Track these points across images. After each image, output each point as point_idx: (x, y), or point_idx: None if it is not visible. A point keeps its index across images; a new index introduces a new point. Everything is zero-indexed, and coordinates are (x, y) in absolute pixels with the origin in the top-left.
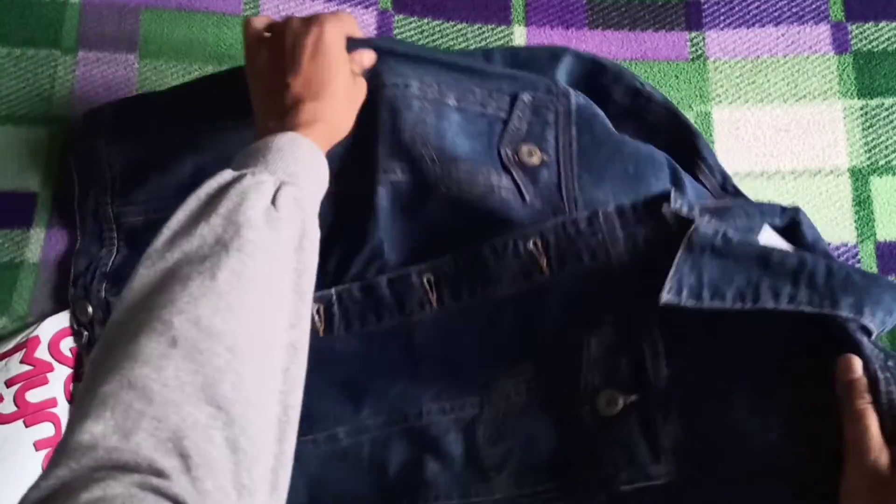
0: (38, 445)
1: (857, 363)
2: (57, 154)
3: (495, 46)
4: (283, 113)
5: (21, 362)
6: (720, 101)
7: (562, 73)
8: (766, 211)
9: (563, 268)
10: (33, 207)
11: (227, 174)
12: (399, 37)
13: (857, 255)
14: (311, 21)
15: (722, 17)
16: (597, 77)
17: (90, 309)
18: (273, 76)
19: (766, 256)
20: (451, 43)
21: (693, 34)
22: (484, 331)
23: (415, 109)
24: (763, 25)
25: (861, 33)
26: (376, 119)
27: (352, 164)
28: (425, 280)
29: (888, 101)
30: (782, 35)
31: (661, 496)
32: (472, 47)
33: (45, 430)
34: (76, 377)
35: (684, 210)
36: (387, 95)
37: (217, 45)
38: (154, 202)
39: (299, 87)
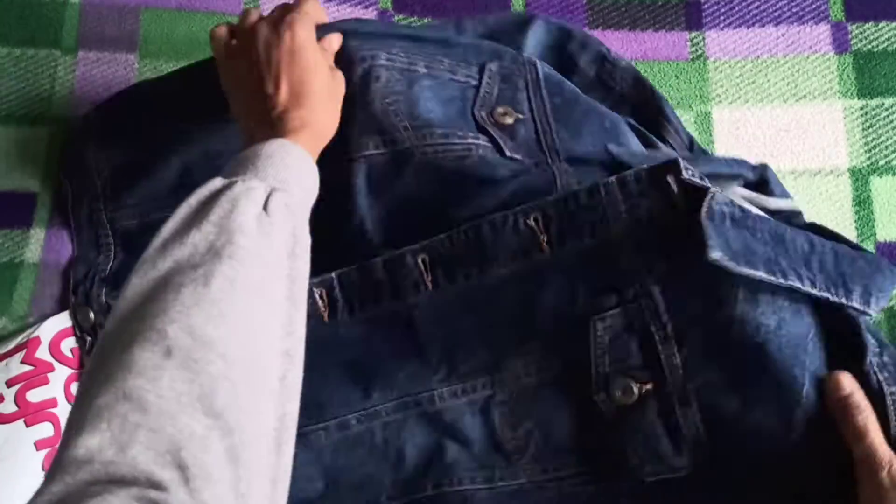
0: (38, 445)
1: (847, 380)
2: (57, 154)
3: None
4: (268, 123)
5: (22, 362)
6: (720, 101)
7: (531, 40)
8: (739, 162)
9: (562, 245)
10: (33, 207)
11: (217, 181)
12: None
13: None
14: (279, 24)
15: (722, 17)
16: (564, 44)
17: (92, 315)
18: (252, 87)
19: (780, 233)
20: None
21: (693, 34)
22: (483, 311)
23: (383, 80)
24: (763, 25)
25: (861, 33)
26: (345, 97)
27: (329, 145)
28: (420, 261)
29: (888, 101)
30: (782, 35)
31: (680, 484)
32: None
33: (46, 430)
34: (78, 378)
35: (696, 179)
36: (355, 71)
37: None
38: (146, 204)
39: (282, 96)
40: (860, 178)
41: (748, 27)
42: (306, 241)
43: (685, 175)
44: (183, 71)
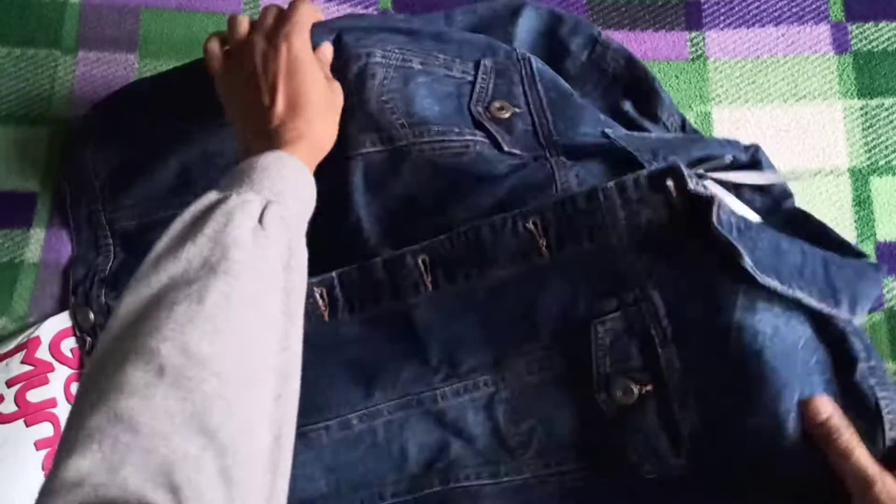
0: (38, 445)
1: (824, 404)
2: (57, 154)
3: None
4: (265, 135)
5: (22, 362)
6: (720, 101)
7: (522, 27)
8: (732, 145)
9: (561, 249)
10: (33, 207)
11: (212, 195)
12: None
13: None
14: (275, 36)
15: (722, 17)
16: (555, 29)
17: (92, 315)
18: (249, 100)
19: (777, 243)
20: None
21: (693, 34)
22: (483, 312)
23: (379, 78)
24: (763, 25)
25: (861, 33)
26: (343, 94)
27: None
28: (420, 261)
29: (888, 101)
30: (782, 35)
31: (680, 483)
32: None
33: (45, 429)
34: (78, 378)
35: (700, 189)
36: (350, 69)
37: None
38: (144, 205)
39: (278, 107)
40: (860, 178)
41: (748, 27)
42: (303, 253)
43: (690, 185)
44: (181, 70)
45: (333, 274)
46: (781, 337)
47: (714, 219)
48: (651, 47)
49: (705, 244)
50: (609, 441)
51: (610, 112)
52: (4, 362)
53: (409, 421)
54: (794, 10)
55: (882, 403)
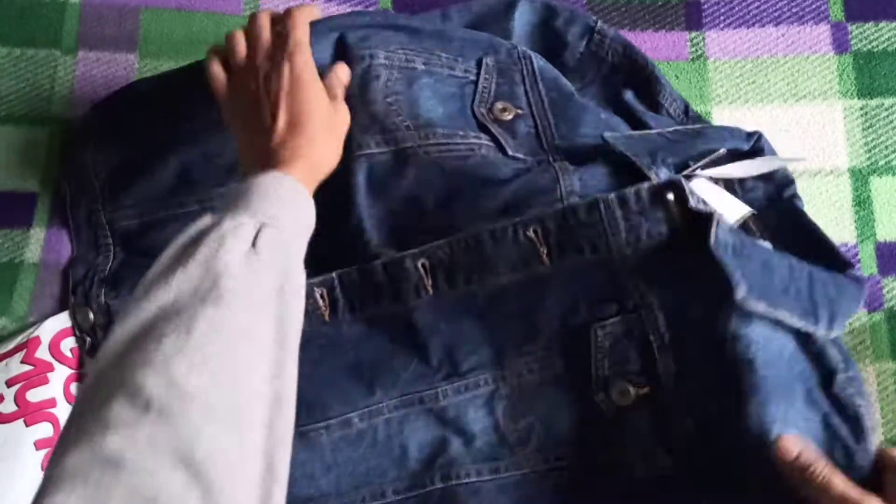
0: (38, 445)
1: (791, 442)
2: (57, 154)
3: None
4: (266, 154)
5: (22, 362)
6: (720, 101)
7: (518, 21)
8: (735, 134)
9: (562, 258)
10: (33, 207)
11: (206, 219)
12: None
13: (857, 255)
14: (278, 54)
15: (722, 17)
16: (551, 21)
17: (91, 315)
18: (252, 120)
19: (768, 260)
20: None
21: (693, 34)
22: (484, 314)
23: (383, 79)
24: (763, 25)
25: (861, 33)
26: (346, 96)
27: None
28: (419, 265)
29: (888, 101)
30: (782, 35)
31: (677, 482)
32: None
33: (45, 429)
34: (77, 378)
35: (701, 206)
36: (354, 70)
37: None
38: (144, 205)
39: (279, 127)
40: (860, 178)
41: (748, 27)
42: (299, 276)
43: (691, 202)
44: (181, 70)
45: (334, 274)
46: (770, 347)
47: (712, 239)
48: (651, 47)
49: (703, 257)
50: (606, 439)
51: (611, 102)
52: (4, 362)
53: (410, 419)
54: (794, 10)
55: (860, 412)
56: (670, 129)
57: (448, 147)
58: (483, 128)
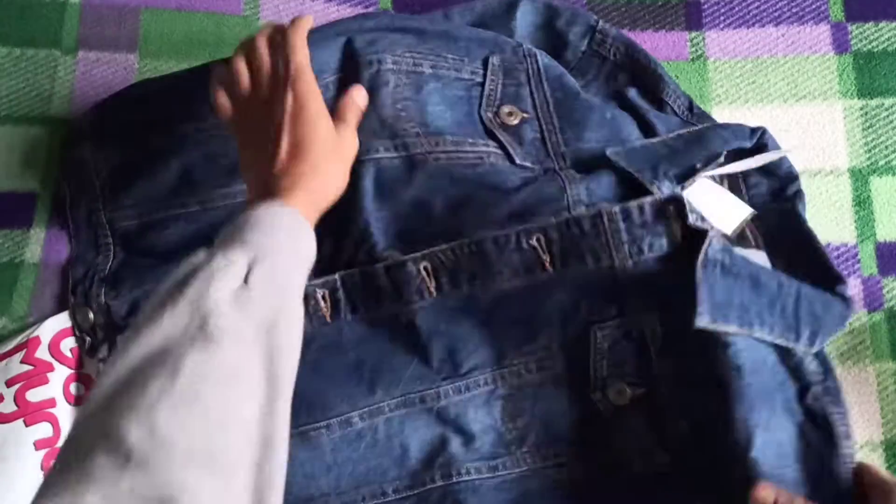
0: (37, 445)
1: (766, 489)
2: (57, 154)
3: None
4: (268, 182)
5: (21, 362)
6: (720, 101)
7: (520, 21)
8: (737, 134)
9: (565, 267)
10: (33, 207)
11: (200, 255)
12: None
13: (857, 255)
14: (280, 81)
15: (722, 17)
16: (553, 21)
17: (91, 315)
18: (256, 147)
19: (756, 276)
20: None
21: (693, 34)
22: (486, 317)
23: (392, 85)
24: (763, 25)
25: (861, 33)
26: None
27: None
28: (422, 268)
29: (888, 101)
30: (782, 35)
31: (673, 482)
32: None
33: (45, 430)
34: (77, 377)
35: (699, 224)
36: (362, 75)
37: (217, 45)
38: (145, 205)
39: (281, 154)
40: (860, 178)
41: (748, 27)
42: (295, 311)
43: (690, 220)
44: (184, 72)
45: (336, 276)
46: (755, 356)
47: (701, 257)
48: (651, 47)
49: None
50: (603, 437)
51: (613, 100)
52: (4, 362)
53: (410, 418)
54: (794, 10)
55: (834, 419)
56: (672, 134)
57: (457, 154)
58: (490, 134)
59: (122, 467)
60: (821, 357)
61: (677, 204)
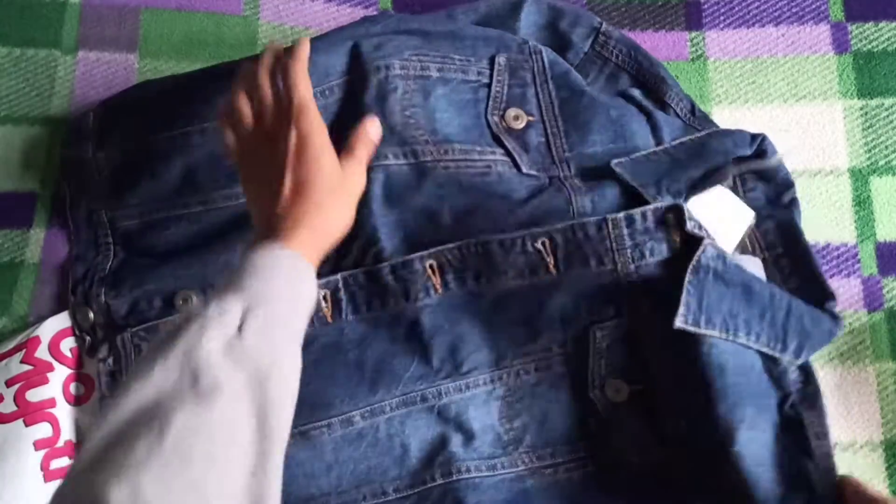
0: (37, 445)
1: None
2: (57, 154)
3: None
4: (271, 221)
5: (21, 362)
6: (720, 101)
7: (524, 21)
8: (738, 143)
9: (569, 269)
10: (33, 207)
11: (195, 305)
12: None
13: (857, 255)
14: (283, 116)
15: (722, 17)
16: (556, 22)
17: (91, 315)
18: (261, 184)
19: (748, 286)
20: None
21: (693, 34)
22: (488, 317)
23: (400, 92)
24: (763, 25)
25: (861, 33)
26: (362, 106)
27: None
28: (428, 266)
29: (888, 101)
30: (782, 35)
31: (672, 479)
32: None
33: (44, 430)
34: (77, 377)
35: (697, 230)
36: (370, 81)
37: (217, 45)
38: (147, 204)
39: (285, 192)
40: (860, 178)
41: (748, 27)
42: (290, 359)
43: (688, 226)
44: (188, 73)
45: (338, 276)
46: (742, 360)
47: (692, 263)
48: (651, 47)
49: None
50: (601, 436)
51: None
52: (4, 362)
53: (411, 417)
54: (794, 10)
55: (807, 423)
56: (676, 142)
57: (466, 163)
58: (496, 139)
59: None
60: (804, 365)
61: (677, 212)
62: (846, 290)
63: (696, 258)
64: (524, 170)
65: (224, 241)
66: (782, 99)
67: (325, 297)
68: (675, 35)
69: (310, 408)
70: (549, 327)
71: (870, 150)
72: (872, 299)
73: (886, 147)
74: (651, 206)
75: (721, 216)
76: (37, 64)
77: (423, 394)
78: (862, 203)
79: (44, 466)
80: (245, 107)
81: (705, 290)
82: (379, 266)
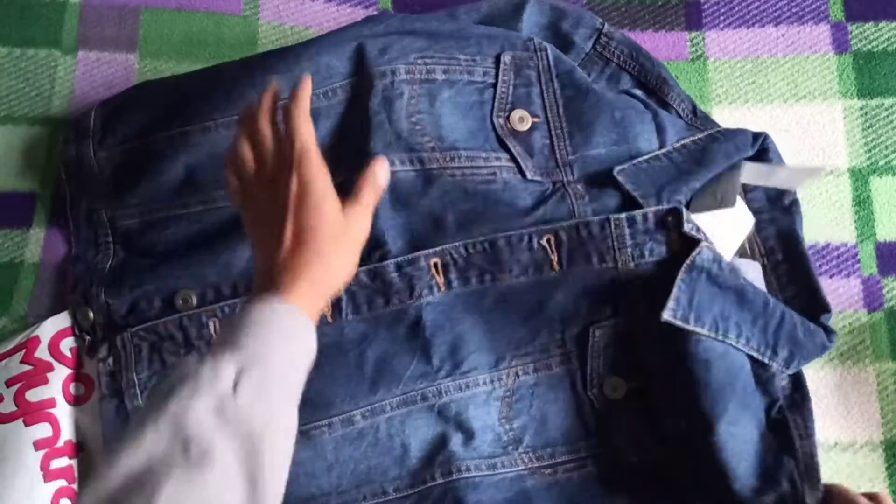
0: (37, 445)
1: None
2: (57, 154)
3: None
4: (272, 271)
5: (21, 362)
6: (720, 101)
7: (527, 22)
8: (740, 146)
9: (571, 266)
10: (33, 207)
11: (189, 362)
12: None
13: (857, 255)
14: (285, 161)
15: (722, 17)
16: (559, 23)
17: (91, 314)
18: (263, 232)
19: (742, 291)
20: None
21: (693, 34)
22: (490, 315)
23: (406, 97)
24: (763, 25)
25: (861, 33)
26: (367, 111)
27: (347, 154)
28: (432, 264)
29: (888, 101)
30: (782, 35)
31: (672, 479)
32: None
33: (44, 430)
34: (76, 377)
35: (694, 231)
36: (376, 87)
37: (217, 45)
38: (147, 204)
39: (286, 241)
40: (860, 178)
41: (748, 27)
42: (286, 418)
43: (685, 228)
44: (190, 73)
45: None
46: (729, 359)
47: (687, 262)
48: (651, 47)
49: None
50: (598, 431)
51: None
52: (4, 362)
53: (412, 416)
54: (794, 10)
55: (790, 423)
56: (678, 144)
57: (471, 170)
58: (501, 142)
59: None
60: (795, 373)
61: (676, 215)
62: (846, 290)
63: (691, 258)
64: (528, 176)
65: (224, 240)
66: (782, 99)
67: None
68: (675, 35)
69: (310, 407)
70: (548, 327)
71: (870, 150)
72: (872, 299)
73: (886, 147)
74: (652, 209)
75: (722, 219)
76: (37, 64)
77: (424, 393)
78: (862, 203)
79: (44, 466)
80: (247, 152)
81: (697, 289)
82: (384, 263)
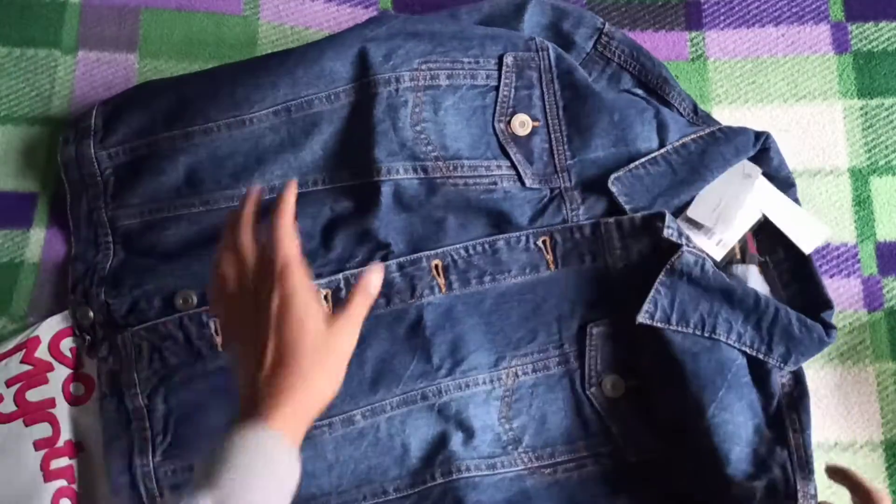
0: (37, 445)
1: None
2: (57, 154)
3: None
4: (253, 392)
5: (21, 362)
6: (720, 101)
7: (528, 22)
8: (740, 148)
9: (566, 265)
10: (33, 207)
11: (168, 501)
12: None
13: (857, 255)
14: (268, 275)
15: (722, 17)
16: (560, 23)
17: (91, 313)
18: (245, 345)
19: (730, 291)
20: None
21: (693, 34)
22: (489, 315)
23: (410, 105)
24: (763, 25)
25: (861, 33)
26: (371, 118)
27: (350, 159)
28: (433, 266)
29: (888, 101)
30: (782, 35)
31: (664, 467)
32: None
33: (44, 430)
34: (76, 377)
35: (674, 237)
36: (380, 94)
37: (217, 45)
38: (149, 204)
39: (268, 360)
40: (860, 178)
41: (748, 27)
42: None
43: (665, 234)
44: (187, 74)
45: (340, 276)
46: (718, 352)
47: (666, 266)
48: (651, 47)
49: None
50: (597, 429)
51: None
52: (4, 362)
53: (412, 416)
54: (794, 10)
55: (786, 418)
56: (678, 143)
57: (474, 179)
58: (503, 149)
59: None
60: (795, 371)
61: (662, 220)
62: (846, 290)
63: (670, 262)
64: (528, 183)
65: None
66: (782, 99)
67: (326, 297)
68: (675, 35)
69: None
70: (546, 327)
71: (870, 150)
72: (872, 299)
73: (886, 147)
74: (640, 214)
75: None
76: (37, 64)
77: (424, 392)
78: (862, 203)
79: (44, 466)
80: (228, 267)
81: (678, 291)
82: (386, 263)
